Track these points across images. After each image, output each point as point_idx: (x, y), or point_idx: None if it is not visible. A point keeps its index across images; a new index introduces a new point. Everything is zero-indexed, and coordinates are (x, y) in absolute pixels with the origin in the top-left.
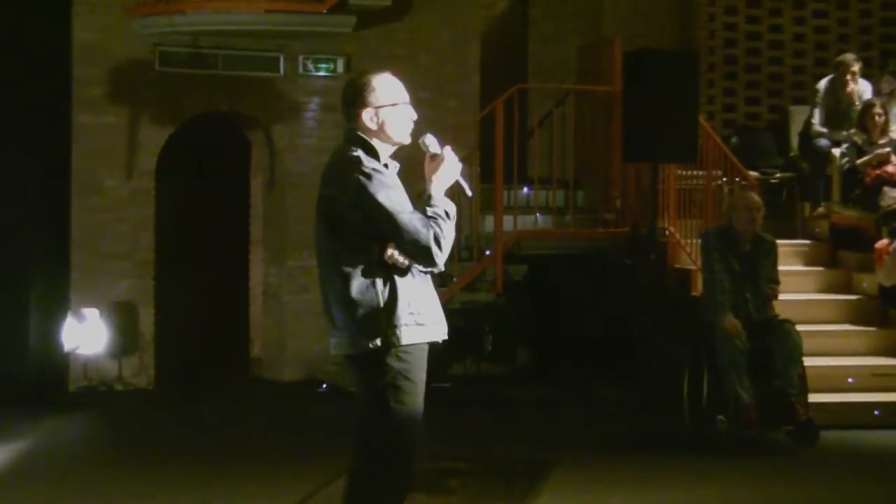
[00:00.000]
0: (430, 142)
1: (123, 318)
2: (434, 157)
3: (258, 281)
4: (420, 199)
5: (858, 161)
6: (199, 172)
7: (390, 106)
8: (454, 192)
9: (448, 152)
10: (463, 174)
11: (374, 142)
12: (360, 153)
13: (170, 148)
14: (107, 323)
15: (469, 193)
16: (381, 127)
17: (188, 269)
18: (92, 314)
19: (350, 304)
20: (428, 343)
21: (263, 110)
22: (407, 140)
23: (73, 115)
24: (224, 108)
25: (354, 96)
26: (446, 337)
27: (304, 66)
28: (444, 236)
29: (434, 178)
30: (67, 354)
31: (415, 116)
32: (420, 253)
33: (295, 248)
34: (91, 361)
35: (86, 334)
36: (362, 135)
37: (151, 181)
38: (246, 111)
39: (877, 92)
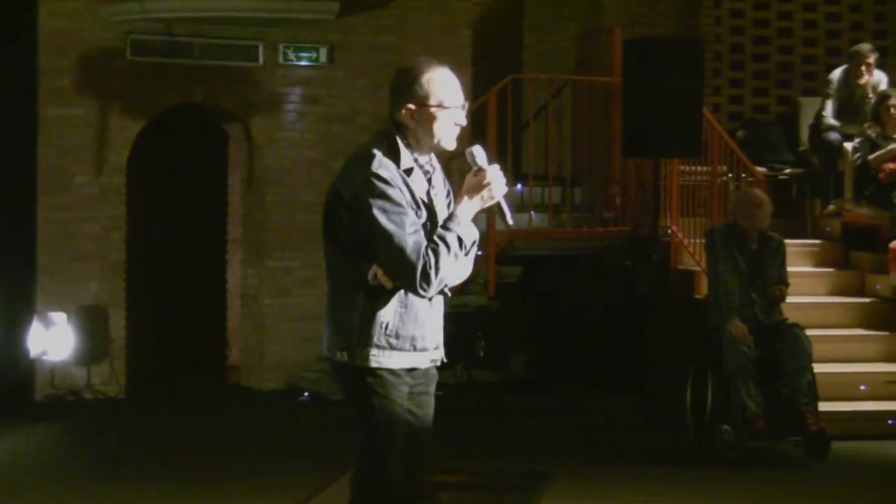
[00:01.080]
0: (479, 153)
1: (93, 322)
2: (479, 171)
3: (236, 283)
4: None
5: (871, 156)
6: (173, 168)
7: (442, 108)
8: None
9: (493, 171)
10: (506, 198)
11: (412, 140)
12: (377, 151)
13: (142, 142)
14: (75, 328)
15: (510, 222)
16: (426, 126)
17: (162, 270)
18: (59, 318)
19: (330, 308)
20: (409, 368)
21: (241, 102)
22: (452, 145)
23: (40, 108)
24: (200, 100)
25: (407, 87)
26: (436, 364)
27: (285, 54)
28: (435, 266)
29: (467, 195)
30: (33, 361)
31: (464, 122)
32: (403, 279)
33: (275, 248)
34: (58, 368)
35: (53, 340)
36: (395, 130)
37: (123, 178)
38: (223, 103)
39: (893, 83)
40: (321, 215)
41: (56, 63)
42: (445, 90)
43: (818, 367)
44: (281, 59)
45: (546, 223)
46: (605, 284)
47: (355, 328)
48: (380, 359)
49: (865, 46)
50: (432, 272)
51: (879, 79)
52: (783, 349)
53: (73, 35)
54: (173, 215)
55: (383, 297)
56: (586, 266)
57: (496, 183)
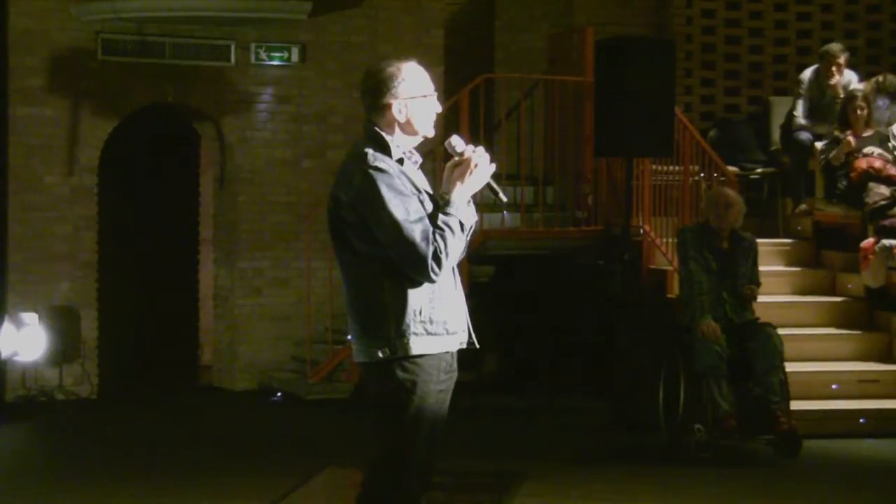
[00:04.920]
0: (457, 142)
1: (64, 322)
2: (462, 158)
3: (208, 283)
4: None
5: (830, 155)
6: (144, 168)
7: (420, 97)
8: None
9: (479, 153)
10: (493, 177)
11: (397, 135)
12: (369, 150)
13: (114, 142)
14: (47, 328)
15: (504, 199)
16: (408, 119)
17: (133, 270)
18: (31, 319)
19: (358, 311)
20: (444, 352)
21: (213, 102)
22: (432, 133)
23: (10, 108)
24: (171, 100)
25: (381, 86)
26: (465, 346)
27: (257, 54)
28: (445, 252)
29: (458, 181)
30: (4, 362)
31: (440, 109)
32: (414, 267)
33: (247, 248)
34: (30, 369)
35: (24, 340)
36: (379, 129)
37: (94, 177)
38: (194, 103)
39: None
40: (294, 215)
41: (26, 62)
42: (423, 81)
43: (790, 366)
44: (252, 59)
45: (518, 223)
46: (577, 284)
47: (390, 321)
48: (420, 346)
49: (836, 46)
50: (443, 256)
51: (850, 78)
52: (755, 348)
53: (43, 34)
54: (145, 215)
55: (410, 284)
56: (558, 265)
57: (483, 164)
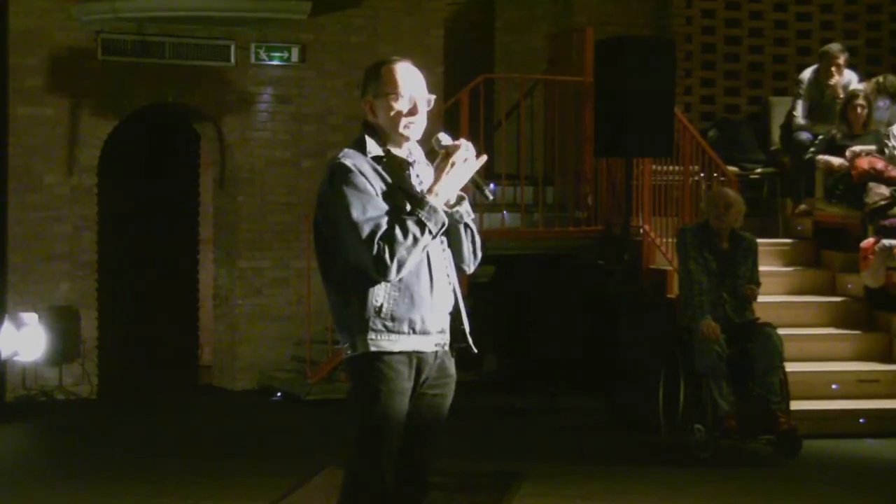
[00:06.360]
0: (444, 138)
1: (64, 322)
2: (445, 154)
3: (208, 283)
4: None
5: (819, 156)
6: (144, 168)
7: (384, 96)
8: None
9: (462, 150)
10: (479, 174)
11: (380, 132)
12: (348, 147)
13: (113, 142)
14: (46, 328)
15: (489, 197)
16: (381, 116)
17: (133, 270)
18: (30, 319)
19: (331, 308)
20: (414, 351)
21: (213, 102)
22: (413, 134)
23: (10, 108)
24: (171, 100)
25: (363, 83)
26: (445, 348)
27: (257, 54)
28: (391, 252)
29: (437, 179)
30: (4, 362)
31: (418, 111)
32: (363, 264)
33: (247, 248)
34: (29, 369)
35: (24, 340)
36: (365, 126)
37: (94, 177)
38: (194, 103)
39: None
40: (293, 215)
41: (26, 62)
42: (394, 80)
43: (790, 366)
44: (252, 59)
45: (518, 223)
46: (577, 284)
47: (354, 318)
48: (379, 343)
49: (835, 46)
50: (387, 257)
51: (850, 79)
52: (755, 348)
53: (43, 34)
54: (145, 215)
55: (373, 282)
56: (558, 265)
57: (463, 159)
